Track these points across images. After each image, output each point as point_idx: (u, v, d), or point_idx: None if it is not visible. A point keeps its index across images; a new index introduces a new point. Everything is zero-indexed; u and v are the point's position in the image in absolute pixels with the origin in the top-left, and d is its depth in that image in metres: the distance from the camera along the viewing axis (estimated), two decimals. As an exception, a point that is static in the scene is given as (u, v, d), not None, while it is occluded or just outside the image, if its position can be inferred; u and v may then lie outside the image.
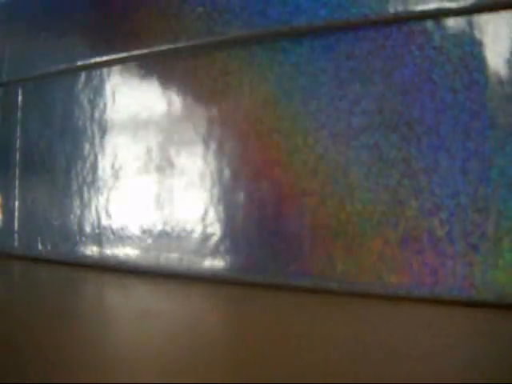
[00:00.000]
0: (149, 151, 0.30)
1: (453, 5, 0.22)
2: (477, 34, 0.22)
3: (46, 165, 0.35)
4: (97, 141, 0.32)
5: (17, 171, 0.37)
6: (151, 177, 0.30)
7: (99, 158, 0.32)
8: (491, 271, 0.21)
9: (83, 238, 0.33)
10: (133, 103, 0.31)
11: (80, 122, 0.33)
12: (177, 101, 0.29)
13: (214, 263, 0.28)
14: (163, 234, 0.29)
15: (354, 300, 0.23)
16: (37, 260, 0.35)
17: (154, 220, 0.30)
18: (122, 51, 0.31)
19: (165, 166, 0.30)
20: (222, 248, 0.27)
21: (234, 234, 0.27)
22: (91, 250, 0.32)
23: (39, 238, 0.35)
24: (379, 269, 0.23)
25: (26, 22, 0.36)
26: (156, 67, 0.30)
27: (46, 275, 0.30)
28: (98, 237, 0.32)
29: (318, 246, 0.25)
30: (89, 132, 0.33)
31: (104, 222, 0.32)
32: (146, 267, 0.30)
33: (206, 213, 0.28)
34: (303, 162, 0.25)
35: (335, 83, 0.25)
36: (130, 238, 0.31)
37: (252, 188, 0.27)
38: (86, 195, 0.33)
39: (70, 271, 0.31)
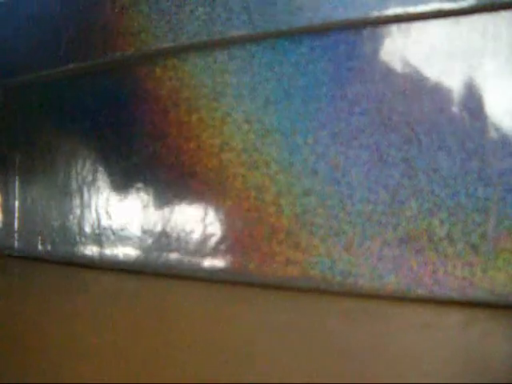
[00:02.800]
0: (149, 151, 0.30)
1: (453, 5, 0.22)
2: (476, 34, 0.22)
3: (46, 165, 0.35)
4: (97, 141, 0.32)
5: (17, 171, 0.37)
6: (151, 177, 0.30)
7: (99, 157, 0.32)
8: (491, 271, 0.21)
9: (83, 238, 0.33)
10: (133, 103, 0.31)
11: (80, 122, 0.33)
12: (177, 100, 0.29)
13: (214, 263, 0.28)
14: (163, 234, 0.29)
15: (354, 300, 0.23)
16: (37, 260, 0.35)
17: (154, 220, 0.30)
18: (117, 51, 0.31)
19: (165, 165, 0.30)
20: (222, 248, 0.27)
21: (234, 234, 0.27)
22: (91, 250, 0.32)
23: (39, 238, 0.35)
24: (379, 269, 0.23)
25: (26, 22, 0.36)
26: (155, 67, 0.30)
27: (46, 275, 0.30)
28: (98, 237, 0.32)
29: (318, 246, 0.25)
30: (89, 132, 0.33)
31: (104, 222, 0.32)
32: (146, 267, 0.30)
33: (206, 213, 0.28)
34: (303, 162, 0.25)
35: (335, 83, 0.25)
36: (129, 238, 0.31)
37: (251, 188, 0.27)
38: (85, 195, 0.33)
39: (70, 271, 0.31)
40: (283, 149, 0.26)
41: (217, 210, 0.28)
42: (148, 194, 0.30)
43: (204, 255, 0.28)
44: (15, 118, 0.37)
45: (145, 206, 0.30)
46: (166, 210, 0.29)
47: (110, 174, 0.32)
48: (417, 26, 0.23)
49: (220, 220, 0.28)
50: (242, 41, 0.27)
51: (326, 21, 0.24)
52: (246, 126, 0.27)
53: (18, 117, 0.37)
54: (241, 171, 0.27)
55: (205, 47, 0.28)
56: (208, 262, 0.28)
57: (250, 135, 0.27)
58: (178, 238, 0.29)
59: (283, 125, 0.26)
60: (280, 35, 0.26)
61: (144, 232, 0.30)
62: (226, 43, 0.27)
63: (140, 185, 0.30)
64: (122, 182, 0.31)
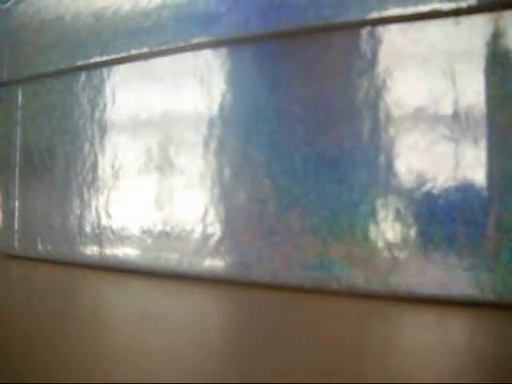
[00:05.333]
0: (149, 151, 0.30)
1: (452, 5, 0.22)
2: (477, 34, 0.22)
3: (46, 165, 0.35)
4: (97, 141, 0.32)
5: (17, 171, 0.37)
6: (151, 177, 0.30)
7: (99, 158, 0.32)
8: (491, 271, 0.21)
9: (83, 238, 0.33)
10: (133, 103, 0.31)
11: (80, 122, 0.33)
12: (180, 100, 0.29)
13: (214, 263, 0.28)
14: (163, 234, 0.29)
15: (354, 300, 0.23)
16: (37, 260, 0.35)
17: (154, 220, 0.30)
18: (123, 50, 0.31)
19: (165, 166, 0.30)
20: (222, 248, 0.27)
21: (234, 234, 0.27)
22: (91, 250, 0.32)
23: (39, 238, 0.35)
24: (380, 269, 0.23)
25: (27, 21, 0.36)
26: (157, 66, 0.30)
27: (45, 275, 0.30)
28: (98, 237, 0.32)
29: (318, 245, 0.25)
30: (89, 132, 0.33)
31: (104, 222, 0.32)
32: (146, 267, 0.30)
33: (206, 213, 0.28)
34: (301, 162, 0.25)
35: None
36: (129, 238, 0.31)
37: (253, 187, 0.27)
38: (86, 195, 0.33)
39: (69, 271, 0.31)
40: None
41: (217, 209, 0.28)
42: (147, 194, 0.30)
43: (204, 255, 0.28)
44: (15, 118, 0.37)
45: (145, 206, 0.30)
46: (166, 210, 0.29)
47: (110, 174, 0.32)
48: (415, 26, 0.23)
49: (220, 220, 0.28)
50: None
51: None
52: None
53: (18, 116, 0.37)
54: (241, 171, 0.27)
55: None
56: (208, 262, 0.28)
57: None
58: (178, 238, 0.29)
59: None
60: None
61: (144, 232, 0.30)
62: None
63: (139, 185, 0.30)
64: (122, 182, 0.31)
